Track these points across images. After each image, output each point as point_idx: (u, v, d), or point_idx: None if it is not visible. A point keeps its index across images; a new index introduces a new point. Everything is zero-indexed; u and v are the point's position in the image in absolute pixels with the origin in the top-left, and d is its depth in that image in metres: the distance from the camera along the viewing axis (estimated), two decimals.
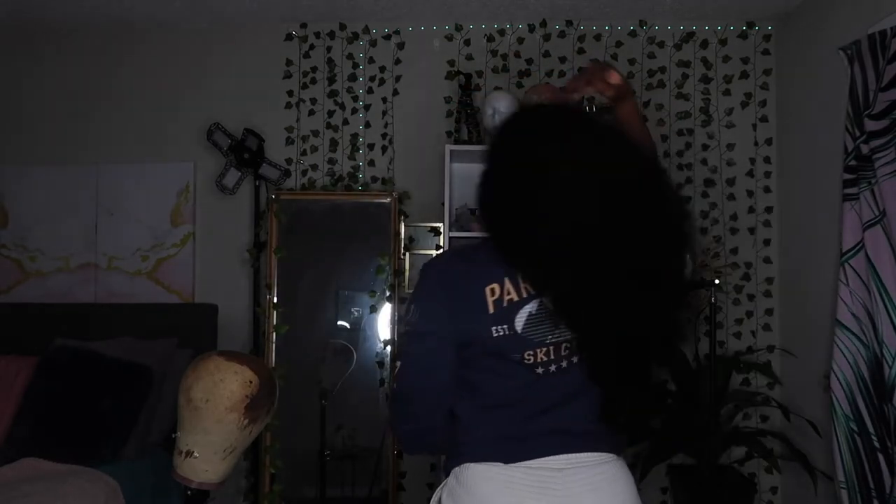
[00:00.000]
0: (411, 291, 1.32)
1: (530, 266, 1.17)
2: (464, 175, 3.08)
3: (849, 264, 2.37)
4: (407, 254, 3.20)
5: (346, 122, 3.30)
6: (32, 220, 3.34)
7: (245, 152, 3.19)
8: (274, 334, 3.10)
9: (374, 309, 3.15)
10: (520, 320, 1.19)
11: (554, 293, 1.16)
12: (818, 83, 2.84)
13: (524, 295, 1.20)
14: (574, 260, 1.12)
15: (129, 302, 3.24)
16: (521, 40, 3.26)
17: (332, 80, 3.31)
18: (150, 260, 3.30)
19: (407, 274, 3.18)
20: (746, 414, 3.13)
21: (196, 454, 1.66)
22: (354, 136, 3.30)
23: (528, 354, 1.21)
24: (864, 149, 2.31)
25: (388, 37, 3.30)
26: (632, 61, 3.24)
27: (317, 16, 3.23)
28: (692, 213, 3.08)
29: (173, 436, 1.74)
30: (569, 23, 3.25)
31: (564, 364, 1.22)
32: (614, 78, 1.47)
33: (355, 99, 3.30)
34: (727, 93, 3.23)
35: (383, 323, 3.15)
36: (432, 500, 1.28)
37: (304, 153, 3.30)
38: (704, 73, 3.24)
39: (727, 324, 3.18)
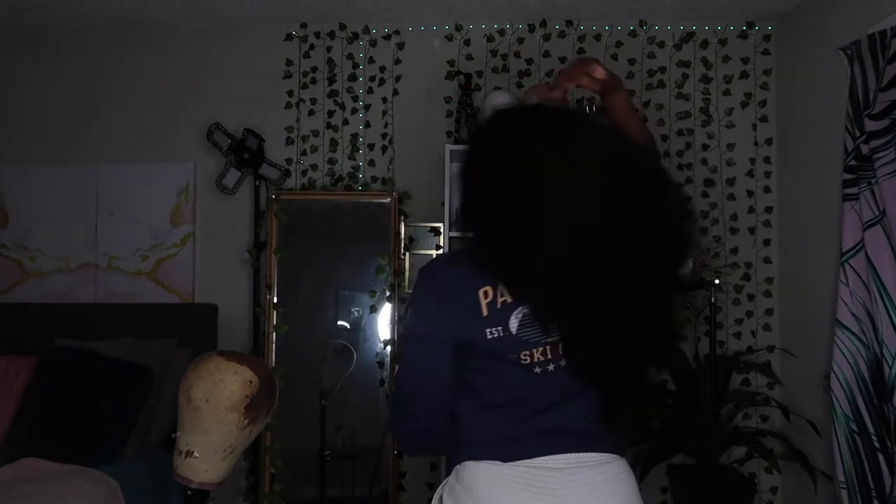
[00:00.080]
0: (410, 293, 1.32)
1: (523, 271, 1.15)
2: None
3: (849, 264, 2.37)
4: (407, 254, 3.19)
5: (346, 122, 3.30)
6: (32, 220, 3.33)
7: (245, 152, 3.19)
8: (274, 334, 3.10)
9: (374, 309, 3.15)
10: (514, 322, 1.20)
11: (544, 298, 1.15)
12: (818, 83, 2.84)
13: None
14: (574, 260, 1.11)
15: (129, 302, 3.24)
16: (521, 40, 3.26)
17: (332, 80, 3.31)
18: (150, 260, 3.30)
19: (407, 274, 3.18)
20: (746, 414, 3.13)
21: (196, 454, 1.66)
22: (354, 136, 3.30)
23: (525, 355, 1.21)
24: (864, 149, 2.31)
25: (388, 37, 3.30)
26: (632, 61, 3.24)
27: (317, 16, 3.23)
28: (694, 213, 3.08)
29: (173, 436, 1.74)
30: (569, 23, 3.25)
31: (563, 363, 1.22)
32: (599, 72, 1.45)
33: (355, 99, 3.30)
34: (727, 93, 3.23)
35: (383, 323, 3.15)
36: (434, 497, 1.28)
37: (304, 153, 3.30)
38: (704, 73, 3.24)
39: (727, 324, 3.18)
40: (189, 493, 1.69)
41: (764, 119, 3.22)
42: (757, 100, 3.22)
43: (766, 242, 3.20)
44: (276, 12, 3.18)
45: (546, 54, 3.25)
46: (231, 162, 3.23)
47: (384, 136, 3.29)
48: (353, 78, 3.30)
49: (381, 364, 3.15)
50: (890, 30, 2.23)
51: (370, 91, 3.30)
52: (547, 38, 3.26)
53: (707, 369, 2.63)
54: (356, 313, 3.17)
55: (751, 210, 3.21)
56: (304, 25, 3.30)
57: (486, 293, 1.21)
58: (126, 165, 3.32)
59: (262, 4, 3.08)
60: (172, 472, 1.70)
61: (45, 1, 3.04)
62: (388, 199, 3.18)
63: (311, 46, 3.32)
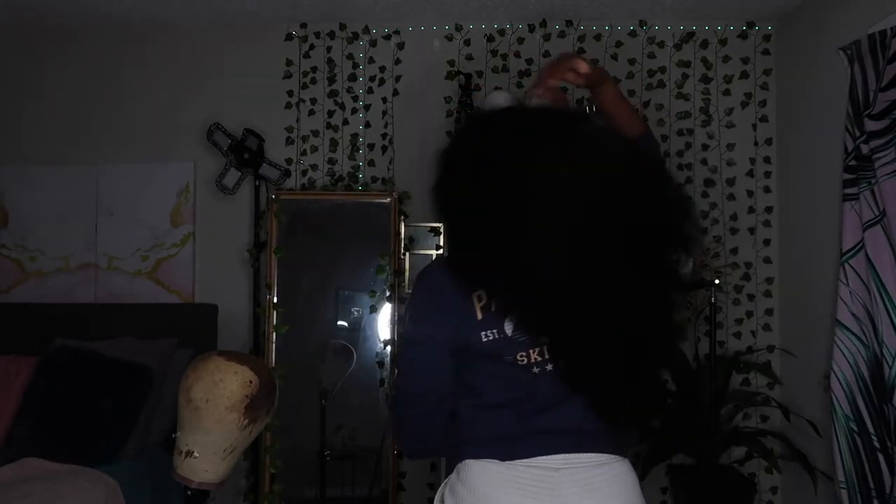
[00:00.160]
0: (409, 294, 1.33)
1: (514, 285, 1.13)
2: None
3: (849, 264, 2.37)
4: (407, 254, 3.19)
5: (346, 122, 3.30)
6: (32, 220, 3.33)
7: (245, 152, 3.19)
8: (274, 334, 3.10)
9: (374, 309, 3.15)
10: (509, 324, 1.20)
11: (533, 311, 1.14)
12: (818, 83, 2.84)
13: None
14: (573, 261, 1.11)
15: (129, 302, 3.24)
16: (520, 40, 3.26)
17: (332, 80, 3.31)
18: (150, 260, 3.30)
19: (407, 274, 3.18)
20: (746, 414, 3.13)
21: (196, 454, 1.66)
22: (354, 136, 3.30)
23: (521, 356, 1.21)
24: (864, 149, 2.31)
25: (388, 37, 3.30)
26: (632, 61, 3.24)
27: (317, 16, 3.23)
28: (695, 213, 3.08)
29: (173, 436, 1.74)
30: (569, 23, 3.25)
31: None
32: (582, 67, 1.44)
33: (355, 99, 3.30)
34: (727, 93, 3.23)
35: (383, 323, 3.14)
36: (437, 496, 1.28)
37: (304, 153, 3.30)
38: (704, 73, 3.24)
39: (727, 324, 3.18)
40: (189, 493, 1.69)
41: (764, 119, 3.22)
42: (757, 100, 3.22)
43: (766, 242, 3.20)
44: (276, 12, 3.18)
45: (546, 54, 3.24)
46: (231, 162, 3.23)
47: (384, 136, 3.29)
48: (353, 78, 3.30)
49: (381, 364, 3.15)
50: (890, 30, 2.23)
51: (370, 91, 3.30)
52: (547, 38, 3.26)
53: (707, 369, 2.63)
54: (356, 313, 3.17)
55: (751, 210, 3.21)
56: (304, 25, 3.30)
57: (479, 297, 1.22)
58: (126, 165, 3.32)
59: (262, 4, 3.08)
60: (172, 472, 1.70)
61: (45, 1, 3.03)
62: (388, 199, 3.18)
63: (311, 46, 3.31)
